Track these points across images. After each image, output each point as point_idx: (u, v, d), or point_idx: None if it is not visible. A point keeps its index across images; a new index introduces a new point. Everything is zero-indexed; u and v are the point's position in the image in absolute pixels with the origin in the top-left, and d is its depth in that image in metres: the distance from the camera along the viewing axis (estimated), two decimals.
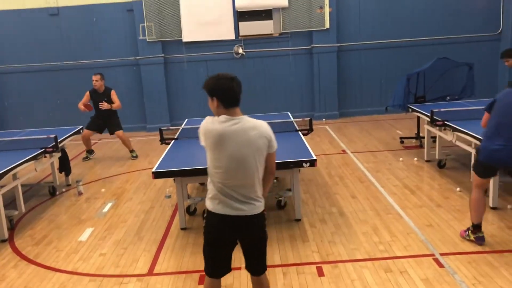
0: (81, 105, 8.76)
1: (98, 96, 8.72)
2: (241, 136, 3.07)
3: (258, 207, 3.21)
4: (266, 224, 3.34)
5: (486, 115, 4.81)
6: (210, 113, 3.25)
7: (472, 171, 4.91)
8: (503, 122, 4.54)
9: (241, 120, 3.11)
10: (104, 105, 8.61)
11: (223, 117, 3.10)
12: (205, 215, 3.32)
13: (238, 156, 3.08)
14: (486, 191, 5.00)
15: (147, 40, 11.24)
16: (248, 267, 3.39)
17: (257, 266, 3.37)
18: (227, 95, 3.10)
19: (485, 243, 4.68)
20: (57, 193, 7.23)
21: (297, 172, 5.47)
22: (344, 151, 8.69)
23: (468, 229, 4.79)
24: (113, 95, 8.76)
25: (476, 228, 4.69)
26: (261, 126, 3.15)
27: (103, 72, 9.04)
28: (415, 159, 7.83)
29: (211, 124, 3.13)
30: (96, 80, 8.65)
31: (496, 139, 4.51)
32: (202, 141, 3.21)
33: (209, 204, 3.25)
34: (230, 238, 3.24)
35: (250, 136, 3.09)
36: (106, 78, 9.01)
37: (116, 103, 8.74)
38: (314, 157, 5.25)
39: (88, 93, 8.81)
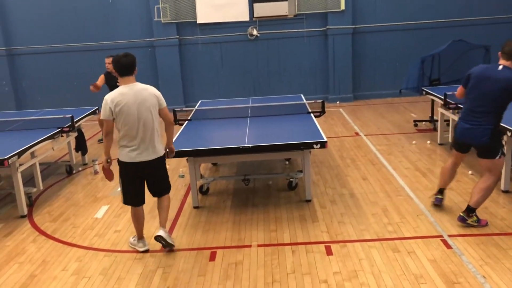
0: (91, 86, 8.76)
1: (112, 78, 8.75)
2: (138, 97, 4.27)
3: (159, 151, 4.45)
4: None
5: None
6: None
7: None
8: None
9: (135, 86, 4.33)
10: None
11: (122, 87, 4.31)
12: (118, 165, 4.46)
13: (140, 112, 4.26)
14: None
15: (162, 21, 11.29)
16: (153, 192, 4.67)
17: (161, 190, 4.66)
18: (118, 65, 4.31)
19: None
20: (74, 171, 7.42)
21: (308, 154, 5.52)
22: (357, 134, 8.70)
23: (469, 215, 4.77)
24: None
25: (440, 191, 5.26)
26: (149, 88, 4.40)
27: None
28: (428, 142, 7.81)
29: (119, 94, 4.26)
30: (109, 63, 8.63)
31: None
32: (110, 113, 4.22)
33: (125, 156, 4.37)
34: (142, 176, 4.48)
35: (144, 95, 4.31)
36: None
37: None
38: (325, 139, 5.29)
39: (103, 76, 8.80)
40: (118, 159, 4.47)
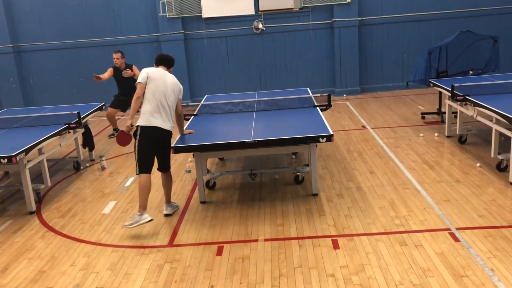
0: (95, 77, 8.50)
1: (120, 73, 8.81)
2: (167, 80, 5.20)
3: (170, 127, 5.18)
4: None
5: None
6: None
7: None
8: None
9: (167, 73, 5.29)
10: (127, 72, 8.52)
11: (159, 68, 5.31)
12: (138, 131, 5.08)
13: (167, 88, 5.14)
14: None
15: (167, 16, 11.27)
16: (160, 168, 5.33)
17: (166, 165, 5.33)
18: (158, 58, 5.41)
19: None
20: (81, 167, 7.45)
21: (314, 148, 5.50)
22: (364, 127, 8.66)
23: None
24: (135, 69, 8.75)
25: None
26: (174, 78, 5.32)
27: (124, 49, 9.11)
28: (436, 134, 7.76)
29: (155, 70, 5.23)
30: (117, 58, 8.70)
31: None
32: (146, 77, 5.09)
33: (144, 121, 5.05)
34: (155, 144, 5.13)
35: (172, 80, 5.25)
36: (127, 55, 9.09)
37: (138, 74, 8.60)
38: (331, 132, 5.26)
39: (111, 69, 8.84)
40: (136, 126, 5.08)
